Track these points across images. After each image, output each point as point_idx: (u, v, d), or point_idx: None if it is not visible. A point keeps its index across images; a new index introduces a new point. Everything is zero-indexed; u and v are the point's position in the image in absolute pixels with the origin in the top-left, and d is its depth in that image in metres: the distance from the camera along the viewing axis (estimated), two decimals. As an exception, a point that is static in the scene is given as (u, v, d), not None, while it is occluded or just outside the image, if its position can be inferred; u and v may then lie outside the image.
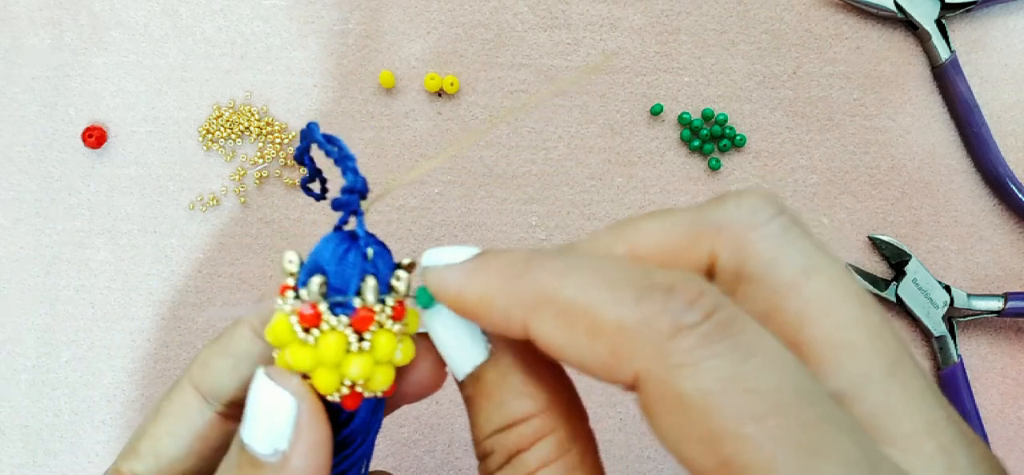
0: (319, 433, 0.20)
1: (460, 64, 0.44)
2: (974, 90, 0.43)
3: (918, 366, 0.19)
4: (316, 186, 0.24)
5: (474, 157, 0.44)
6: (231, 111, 0.44)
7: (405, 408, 0.43)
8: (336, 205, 0.21)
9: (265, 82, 0.44)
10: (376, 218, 0.44)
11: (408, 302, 0.21)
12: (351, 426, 0.21)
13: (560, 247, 0.20)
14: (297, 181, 0.44)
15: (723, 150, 0.44)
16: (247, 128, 0.44)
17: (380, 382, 0.21)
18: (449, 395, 0.43)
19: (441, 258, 0.20)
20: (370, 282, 0.20)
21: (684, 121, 0.43)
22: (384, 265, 0.21)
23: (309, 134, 0.21)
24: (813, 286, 0.18)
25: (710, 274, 0.20)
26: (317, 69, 0.44)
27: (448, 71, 0.44)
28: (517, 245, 0.44)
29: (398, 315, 0.20)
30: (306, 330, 0.20)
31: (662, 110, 0.44)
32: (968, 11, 0.44)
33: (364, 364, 0.20)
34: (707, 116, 0.44)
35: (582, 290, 0.18)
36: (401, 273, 0.21)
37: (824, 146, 0.44)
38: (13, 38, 0.45)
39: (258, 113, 0.44)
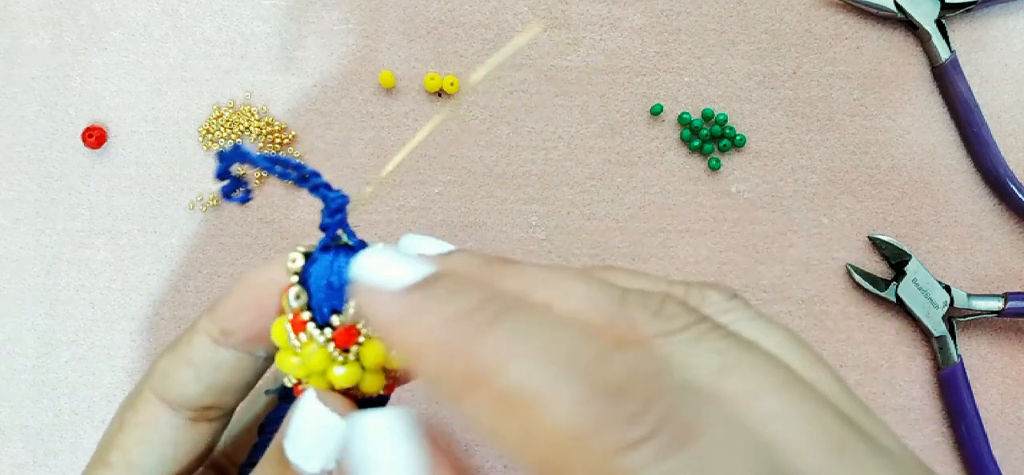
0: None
1: (460, 64, 0.44)
2: (974, 90, 0.43)
3: (870, 439, 0.17)
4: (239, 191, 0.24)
5: (474, 157, 0.44)
6: (231, 111, 0.44)
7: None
8: (325, 227, 0.21)
9: (265, 82, 0.44)
10: (376, 218, 0.44)
11: None
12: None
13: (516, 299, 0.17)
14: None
15: (723, 150, 0.44)
16: (247, 128, 0.44)
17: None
18: (449, 395, 0.43)
19: (380, 267, 0.18)
20: None
21: (684, 121, 0.43)
22: None
23: (237, 157, 0.20)
24: (729, 386, 0.16)
25: None
26: (317, 69, 0.44)
27: (448, 71, 0.44)
28: (517, 245, 0.44)
29: None
30: (344, 349, 0.20)
31: (662, 110, 0.44)
32: (968, 11, 0.44)
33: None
34: (707, 116, 0.44)
35: (530, 374, 0.15)
36: None
37: (824, 146, 0.44)
38: (13, 38, 0.45)
39: (258, 113, 0.44)
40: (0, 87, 0.45)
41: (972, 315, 0.42)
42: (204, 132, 0.44)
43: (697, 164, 0.44)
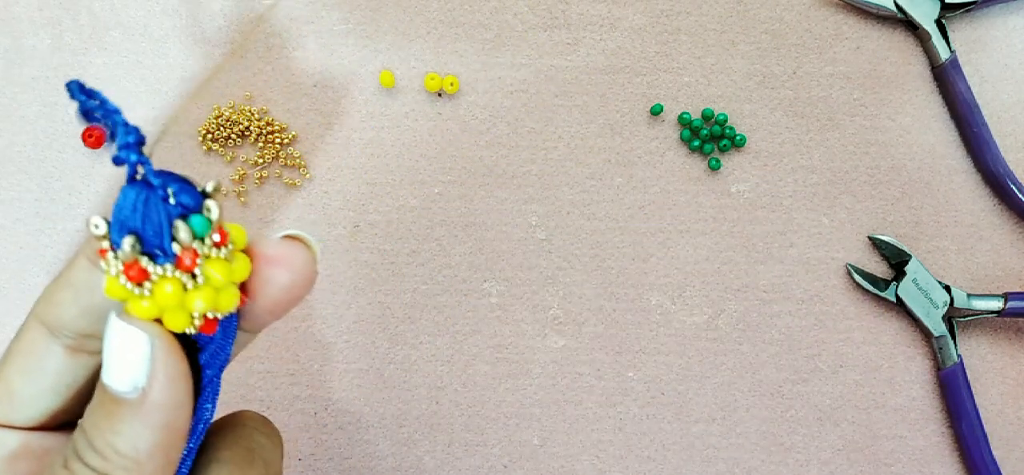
0: (175, 366, 0.21)
1: (460, 64, 0.44)
2: (974, 90, 0.43)
3: None
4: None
5: (474, 157, 0.44)
6: (231, 111, 0.44)
7: (405, 408, 0.43)
8: (117, 162, 0.20)
9: (265, 82, 0.44)
10: (376, 218, 0.44)
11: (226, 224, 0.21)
12: (211, 346, 0.22)
13: None
14: (282, 175, 0.44)
15: (723, 150, 0.44)
16: (247, 129, 0.44)
17: (228, 302, 0.21)
18: (449, 396, 0.43)
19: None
20: (181, 225, 0.20)
21: (684, 121, 0.43)
22: (190, 199, 0.21)
23: (72, 92, 0.21)
24: None
25: None
26: (317, 69, 0.44)
27: (448, 71, 0.44)
28: (517, 245, 0.44)
29: (223, 241, 0.21)
30: (139, 284, 0.20)
31: (662, 110, 0.44)
32: (968, 11, 0.44)
33: (206, 296, 0.20)
34: (707, 116, 0.44)
35: None
36: (210, 203, 0.21)
37: (824, 146, 0.44)
38: (13, 38, 0.45)
39: (258, 114, 0.44)
40: (0, 87, 0.45)
41: (972, 315, 0.42)
42: (204, 132, 0.44)
43: (697, 164, 0.44)
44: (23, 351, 0.23)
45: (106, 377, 0.20)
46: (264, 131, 0.44)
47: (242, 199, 0.44)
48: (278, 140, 0.44)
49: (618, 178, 0.44)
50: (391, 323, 0.44)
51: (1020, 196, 0.43)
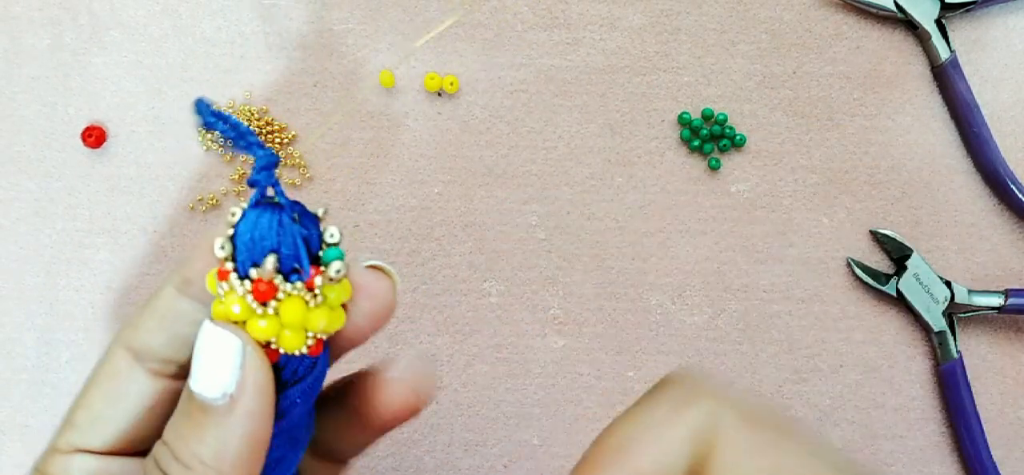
0: (264, 375, 0.21)
1: (460, 64, 0.44)
2: (974, 90, 0.43)
3: None
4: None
5: (474, 157, 0.44)
6: (231, 111, 0.44)
7: (405, 408, 0.43)
8: (252, 183, 0.21)
9: (265, 82, 0.44)
10: (376, 218, 0.44)
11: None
12: (314, 373, 0.22)
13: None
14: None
15: (723, 150, 0.44)
16: (247, 128, 0.44)
17: (338, 322, 0.22)
18: (449, 396, 0.43)
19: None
20: (332, 256, 0.21)
21: (684, 121, 0.43)
22: (311, 223, 0.22)
23: (199, 111, 0.21)
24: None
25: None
26: (317, 69, 0.44)
27: (448, 71, 0.44)
28: (517, 245, 0.44)
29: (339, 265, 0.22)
30: (263, 304, 0.21)
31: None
32: (968, 11, 0.44)
33: (325, 315, 0.21)
34: (707, 116, 0.44)
35: None
36: (334, 229, 0.22)
37: (824, 146, 0.44)
38: (12, 38, 0.45)
39: (258, 113, 0.44)
40: (0, 87, 0.45)
41: (973, 311, 0.42)
42: (204, 132, 0.44)
43: (697, 164, 0.44)
44: (108, 374, 0.23)
45: (195, 384, 0.21)
46: (264, 131, 0.44)
47: (243, 198, 0.44)
48: (278, 140, 0.44)
49: (618, 178, 0.44)
50: (391, 323, 0.44)
51: (1020, 196, 0.43)
